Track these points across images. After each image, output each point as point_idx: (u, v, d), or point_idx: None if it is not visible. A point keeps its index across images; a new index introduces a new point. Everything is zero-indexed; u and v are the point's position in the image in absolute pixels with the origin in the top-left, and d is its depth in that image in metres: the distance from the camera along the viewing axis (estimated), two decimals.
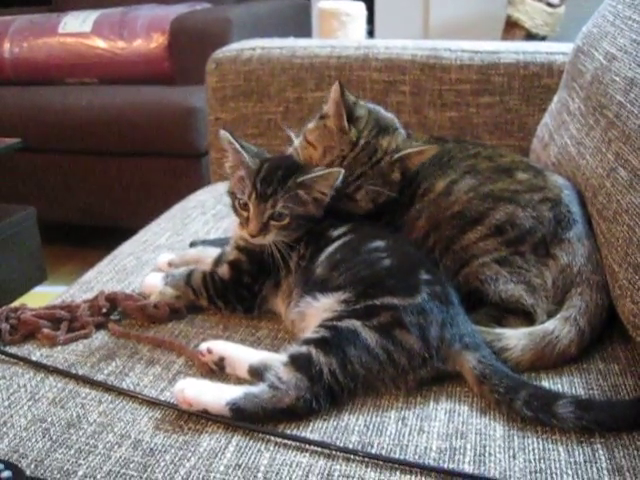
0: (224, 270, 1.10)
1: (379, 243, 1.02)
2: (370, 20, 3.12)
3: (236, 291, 1.09)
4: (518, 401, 0.84)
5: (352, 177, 1.11)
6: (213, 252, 1.21)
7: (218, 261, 1.16)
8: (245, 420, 0.83)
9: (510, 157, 1.18)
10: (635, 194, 0.92)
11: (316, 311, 0.96)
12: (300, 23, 3.44)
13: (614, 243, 0.96)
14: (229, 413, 0.83)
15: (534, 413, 0.83)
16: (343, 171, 1.06)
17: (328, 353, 0.86)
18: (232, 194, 1.09)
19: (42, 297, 1.18)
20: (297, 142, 1.20)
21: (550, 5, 3.01)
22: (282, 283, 1.07)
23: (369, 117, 1.17)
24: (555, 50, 1.65)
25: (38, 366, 0.98)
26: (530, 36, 3.01)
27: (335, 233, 1.06)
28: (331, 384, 0.85)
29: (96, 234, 2.78)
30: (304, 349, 0.88)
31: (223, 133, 1.09)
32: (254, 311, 1.09)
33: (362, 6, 2.82)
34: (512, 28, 3.09)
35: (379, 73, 1.70)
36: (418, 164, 1.13)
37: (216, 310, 1.11)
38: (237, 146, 1.08)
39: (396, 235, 1.10)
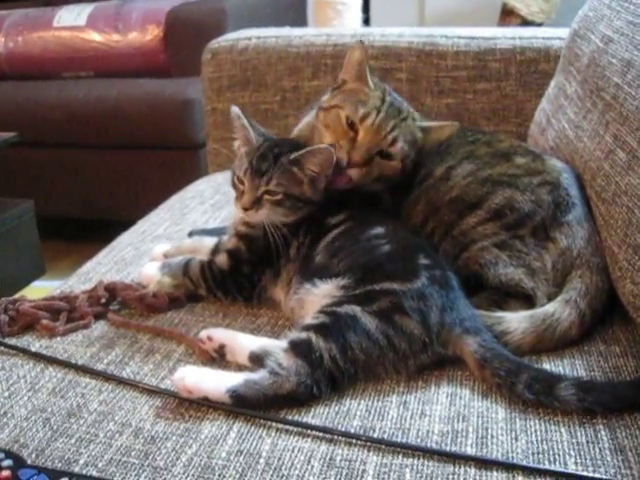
0: (222, 259, 1.10)
1: (378, 230, 1.02)
2: (365, 9, 3.11)
3: (235, 281, 1.09)
4: (520, 384, 0.84)
5: (388, 129, 1.09)
6: (209, 242, 1.21)
7: (215, 251, 1.16)
8: (246, 407, 0.83)
9: (508, 142, 1.18)
10: (634, 175, 0.91)
11: (315, 297, 0.96)
12: (295, 13, 3.42)
13: (613, 225, 0.96)
14: (229, 400, 0.83)
15: (536, 396, 0.83)
16: (333, 150, 1.04)
17: (328, 338, 0.86)
18: (233, 171, 1.10)
19: (41, 292, 1.18)
20: (308, 119, 1.19)
21: None
22: (282, 272, 1.07)
23: (384, 87, 1.17)
24: (551, 35, 1.64)
25: (38, 357, 0.98)
26: (526, 23, 3.00)
27: (333, 220, 1.06)
28: (332, 369, 0.85)
29: (94, 228, 2.78)
30: (304, 335, 0.88)
31: (234, 108, 1.09)
32: (253, 300, 1.09)
33: None
34: (508, 16, 3.08)
35: (375, 61, 1.69)
36: (435, 141, 1.14)
37: (215, 300, 1.11)
38: (245, 122, 1.09)
39: (395, 221, 1.09)
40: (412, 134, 1.13)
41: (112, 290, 1.11)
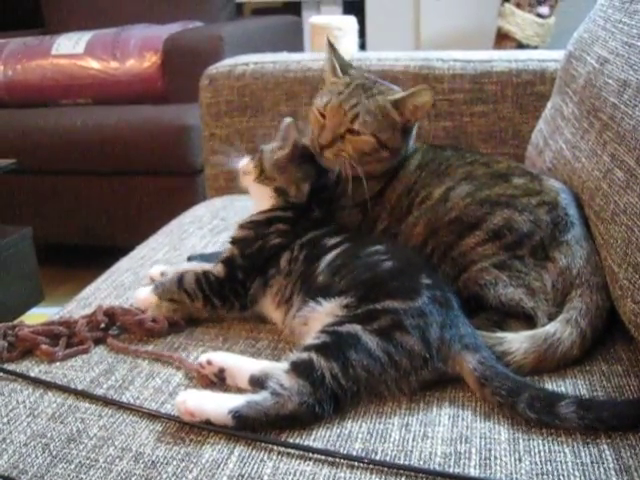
0: (218, 268, 1.12)
1: (378, 247, 1.03)
2: (362, 34, 3.13)
3: (232, 288, 1.10)
4: (521, 403, 0.83)
5: (348, 107, 1.14)
6: (207, 267, 1.21)
7: None
8: (248, 428, 0.82)
9: (506, 163, 1.18)
10: (632, 194, 0.92)
11: (319, 315, 0.96)
12: (292, 39, 3.45)
13: (613, 244, 0.96)
14: (232, 421, 0.83)
15: (537, 415, 0.82)
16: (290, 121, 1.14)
17: (329, 358, 0.86)
18: None
19: (39, 318, 1.17)
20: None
21: (540, 16, 3.02)
22: (271, 283, 1.08)
23: (362, 76, 1.23)
24: (547, 57, 1.65)
25: (37, 382, 0.97)
26: (521, 47, 3.02)
27: (331, 242, 1.07)
28: (334, 388, 0.85)
29: (93, 254, 2.76)
30: (305, 355, 0.87)
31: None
32: (248, 309, 1.10)
33: (353, 20, 2.82)
34: (503, 40, 3.10)
35: None
36: (413, 109, 1.16)
37: (212, 311, 1.11)
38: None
39: (394, 241, 1.11)
40: (380, 108, 1.15)
41: (111, 315, 1.10)
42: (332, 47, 1.24)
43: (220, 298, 1.10)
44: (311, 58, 1.81)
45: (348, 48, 2.74)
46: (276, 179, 1.14)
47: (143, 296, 1.14)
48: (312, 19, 2.86)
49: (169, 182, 2.66)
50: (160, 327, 1.08)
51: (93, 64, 2.86)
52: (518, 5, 3.05)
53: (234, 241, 1.14)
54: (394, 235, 1.14)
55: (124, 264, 1.39)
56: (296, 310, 1.02)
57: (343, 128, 1.14)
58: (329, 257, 1.04)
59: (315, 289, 1.00)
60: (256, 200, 1.19)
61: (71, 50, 2.90)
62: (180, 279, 1.11)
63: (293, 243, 1.09)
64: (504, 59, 1.67)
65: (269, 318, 1.09)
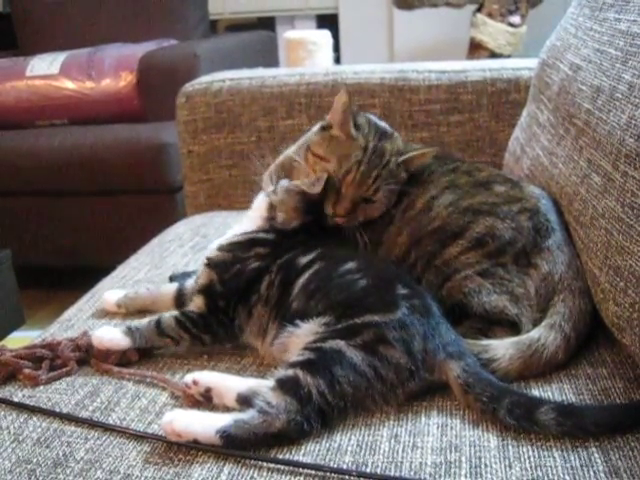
0: (197, 302, 1.08)
1: (350, 265, 1.01)
2: (336, 47, 3.15)
3: (217, 318, 1.06)
4: (501, 410, 0.84)
5: (370, 179, 1.12)
6: (169, 289, 1.21)
7: (180, 299, 1.16)
8: (236, 447, 0.82)
9: (487, 171, 1.19)
10: (610, 198, 0.92)
11: (298, 338, 0.95)
12: (267, 55, 3.46)
13: (593, 248, 0.97)
14: (220, 441, 0.82)
15: (517, 421, 0.83)
16: None
17: (315, 374, 0.85)
18: None
19: (20, 342, 1.15)
20: (296, 157, 1.19)
21: (512, 25, 3.06)
22: (253, 312, 1.05)
23: (369, 124, 1.18)
24: (521, 66, 1.67)
25: (21, 407, 0.96)
26: (494, 56, 3.05)
27: (304, 260, 1.05)
28: (321, 405, 0.84)
29: (73, 276, 2.75)
30: (291, 372, 0.87)
31: None
32: (238, 338, 1.07)
33: (328, 34, 2.85)
34: (476, 49, 3.13)
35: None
36: (419, 165, 1.16)
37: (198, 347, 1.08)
38: None
39: (366, 254, 1.10)
40: (395, 176, 1.15)
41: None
42: (349, 97, 1.15)
43: (208, 333, 1.06)
44: (287, 73, 1.82)
45: (323, 62, 2.77)
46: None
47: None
48: (287, 34, 2.88)
49: (148, 200, 2.65)
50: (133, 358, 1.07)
51: (68, 84, 2.85)
52: (490, 15, 3.09)
53: (211, 264, 1.10)
54: (377, 244, 1.14)
55: (106, 284, 1.38)
56: (272, 338, 1.00)
57: (361, 198, 1.13)
58: (302, 280, 1.01)
59: (291, 315, 0.99)
60: (250, 214, 1.16)
61: (46, 71, 2.89)
62: (158, 325, 1.06)
63: (272, 265, 1.06)
64: (478, 69, 1.69)
65: (254, 347, 1.06)
